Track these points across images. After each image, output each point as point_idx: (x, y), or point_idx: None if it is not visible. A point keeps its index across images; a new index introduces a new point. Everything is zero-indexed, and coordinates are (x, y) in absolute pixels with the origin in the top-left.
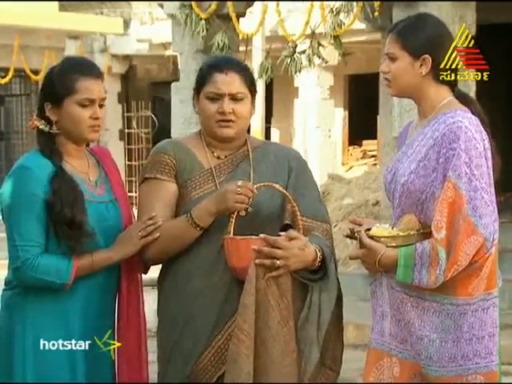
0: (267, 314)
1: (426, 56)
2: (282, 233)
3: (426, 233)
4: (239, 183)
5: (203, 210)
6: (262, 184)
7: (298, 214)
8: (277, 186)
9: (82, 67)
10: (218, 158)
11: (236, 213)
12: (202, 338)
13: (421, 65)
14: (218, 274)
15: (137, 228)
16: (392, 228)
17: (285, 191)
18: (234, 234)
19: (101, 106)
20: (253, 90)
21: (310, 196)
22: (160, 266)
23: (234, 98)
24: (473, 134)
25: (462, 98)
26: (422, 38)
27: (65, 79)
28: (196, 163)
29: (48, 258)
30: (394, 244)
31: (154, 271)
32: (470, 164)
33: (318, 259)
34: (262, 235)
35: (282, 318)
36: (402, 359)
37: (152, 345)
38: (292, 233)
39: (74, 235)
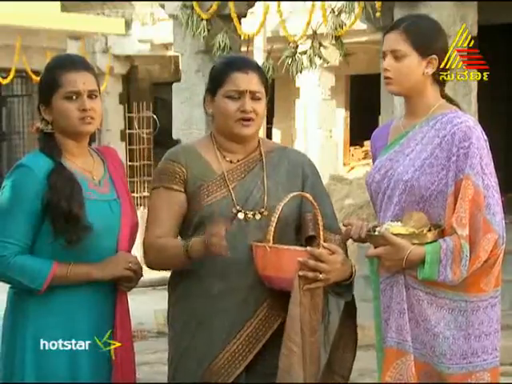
0: (304, 326)
1: (434, 56)
2: (325, 244)
3: (441, 230)
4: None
5: (198, 245)
6: (293, 194)
7: (321, 223)
8: (307, 195)
9: (64, 63)
10: (231, 162)
11: (275, 220)
12: (217, 342)
13: (427, 65)
14: (232, 279)
15: (127, 258)
16: (403, 226)
17: (314, 202)
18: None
19: (91, 97)
20: (267, 90)
21: (325, 207)
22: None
23: (254, 97)
24: (479, 134)
25: (449, 101)
26: (431, 39)
27: (49, 77)
28: (208, 169)
29: (26, 259)
30: (417, 242)
31: (151, 272)
32: (481, 163)
33: (353, 275)
34: (308, 248)
35: (311, 329)
36: (414, 358)
37: (148, 346)
38: (333, 247)
39: (70, 228)
